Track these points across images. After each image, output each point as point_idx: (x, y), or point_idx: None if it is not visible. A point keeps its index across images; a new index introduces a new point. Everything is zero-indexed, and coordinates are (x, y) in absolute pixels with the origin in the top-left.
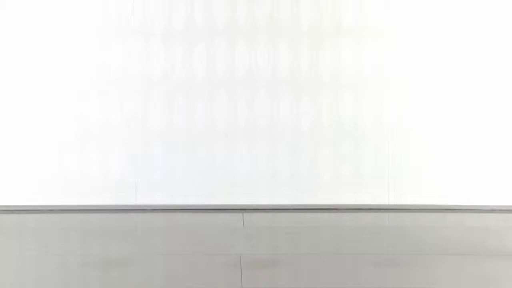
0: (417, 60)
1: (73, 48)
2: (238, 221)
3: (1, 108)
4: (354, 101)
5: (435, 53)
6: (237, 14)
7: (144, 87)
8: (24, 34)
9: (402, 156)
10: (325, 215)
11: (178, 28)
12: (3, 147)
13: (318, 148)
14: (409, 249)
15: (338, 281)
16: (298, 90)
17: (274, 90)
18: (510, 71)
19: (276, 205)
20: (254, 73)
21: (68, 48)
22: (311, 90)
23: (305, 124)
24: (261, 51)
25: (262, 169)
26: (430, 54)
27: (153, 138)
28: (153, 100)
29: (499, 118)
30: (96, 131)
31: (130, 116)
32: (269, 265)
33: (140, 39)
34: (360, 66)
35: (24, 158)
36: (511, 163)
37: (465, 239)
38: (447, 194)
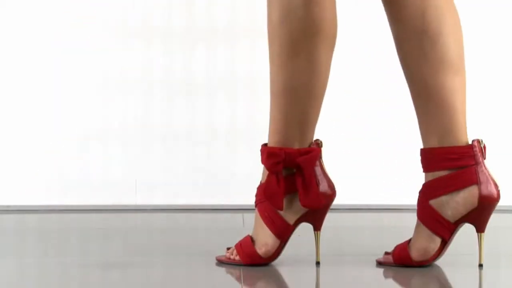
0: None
1: (73, 48)
2: (238, 221)
3: (1, 108)
4: (355, 101)
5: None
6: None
7: (144, 87)
8: (23, 34)
9: (402, 156)
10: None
11: (178, 29)
12: (3, 147)
13: None
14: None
15: (338, 281)
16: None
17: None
18: (510, 71)
19: None
20: (254, 73)
21: (68, 48)
22: None
23: None
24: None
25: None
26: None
27: (153, 138)
28: (153, 100)
29: (499, 118)
30: (96, 130)
31: (130, 116)
32: (268, 265)
33: (140, 39)
34: (361, 66)
35: (24, 158)
36: (510, 163)
37: (465, 239)
38: None
